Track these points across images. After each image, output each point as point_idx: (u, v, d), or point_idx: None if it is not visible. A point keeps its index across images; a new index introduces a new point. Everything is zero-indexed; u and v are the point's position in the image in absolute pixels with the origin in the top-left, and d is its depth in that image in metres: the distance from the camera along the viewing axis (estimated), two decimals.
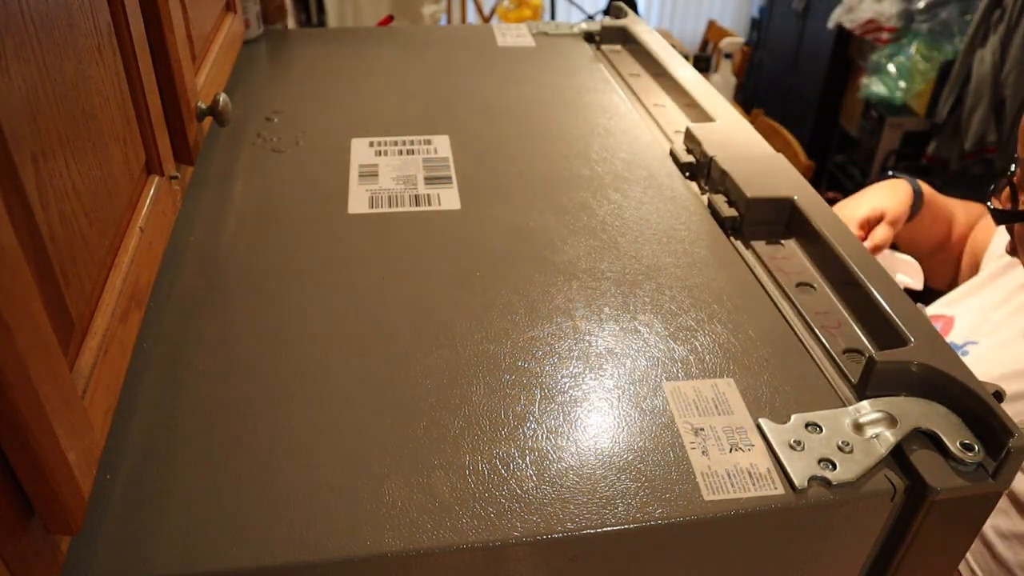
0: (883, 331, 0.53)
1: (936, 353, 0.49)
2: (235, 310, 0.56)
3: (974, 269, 1.00)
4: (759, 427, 0.48)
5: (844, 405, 0.49)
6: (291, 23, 2.67)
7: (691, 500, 0.43)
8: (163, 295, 0.57)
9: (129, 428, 0.46)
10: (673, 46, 1.02)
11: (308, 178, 0.73)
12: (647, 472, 0.45)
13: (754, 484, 0.44)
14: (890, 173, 1.01)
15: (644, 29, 1.07)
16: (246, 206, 0.68)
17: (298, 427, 0.47)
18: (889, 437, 0.46)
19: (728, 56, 3.02)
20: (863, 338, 0.55)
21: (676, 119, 0.87)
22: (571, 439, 0.47)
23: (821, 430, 0.47)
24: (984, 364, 0.78)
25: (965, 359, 0.80)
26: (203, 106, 0.63)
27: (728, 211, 0.68)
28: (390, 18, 2.72)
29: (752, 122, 0.81)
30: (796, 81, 3.03)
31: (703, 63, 3.12)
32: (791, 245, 0.66)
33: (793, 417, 0.48)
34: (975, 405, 0.46)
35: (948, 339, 0.87)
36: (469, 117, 0.86)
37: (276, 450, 0.45)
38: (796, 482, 0.44)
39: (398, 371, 0.51)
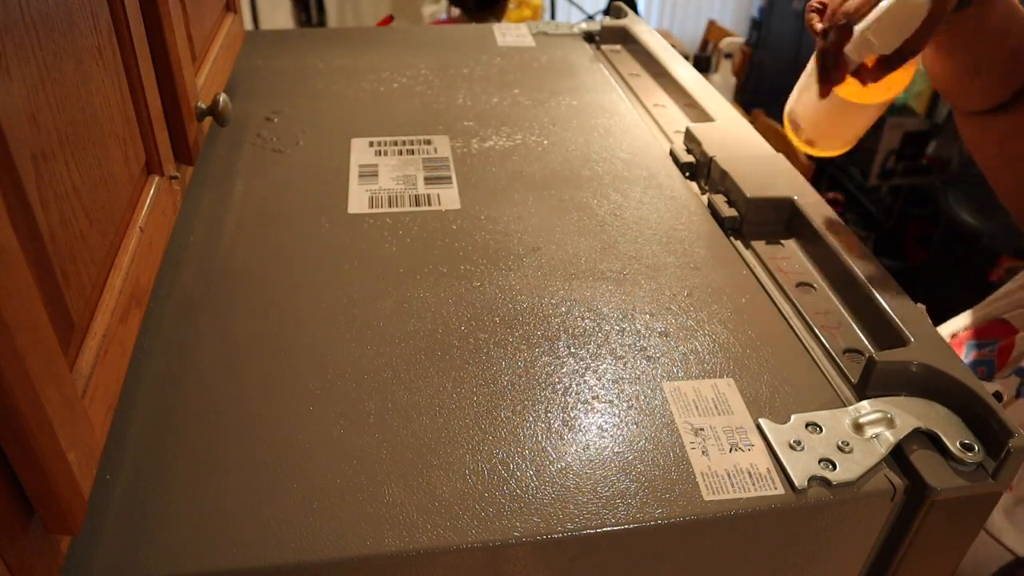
0: (883, 331, 0.53)
1: (936, 353, 0.49)
2: (235, 310, 0.56)
3: None
4: (759, 427, 0.48)
5: (844, 405, 0.49)
6: (291, 23, 2.68)
7: (691, 500, 0.43)
8: (163, 295, 0.57)
9: (129, 428, 0.46)
10: (673, 46, 1.02)
11: (308, 178, 0.73)
12: (647, 472, 0.45)
13: (754, 484, 0.44)
14: None
15: (644, 29, 1.07)
16: (246, 206, 0.68)
17: (298, 427, 0.47)
18: (889, 437, 0.46)
19: (728, 56, 3.02)
20: (863, 338, 0.55)
21: (676, 119, 0.87)
22: (571, 439, 0.47)
23: (821, 430, 0.47)
24: None
25: None
26: (203, 106, 0.63)
27: (728, 211, 0.68)
28: (390, 18, 2.72)
29: (752, 122, 0.81)
30: (796, 81, 3.03)
31: (703, 63, 3.12)
32: (791, 245, 0.66)
33: (793, 417, 0.48)
34: (975, 405, 0.46)
35: (1017, 369, 0.64)
36: (469, 117, 0.86)
37: (276, 450, 0.45)
38: (796, 482, 0.44)
39: (397, 371, 0.51)
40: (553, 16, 3.28)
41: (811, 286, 0.61)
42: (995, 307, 0.73)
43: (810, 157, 2.25)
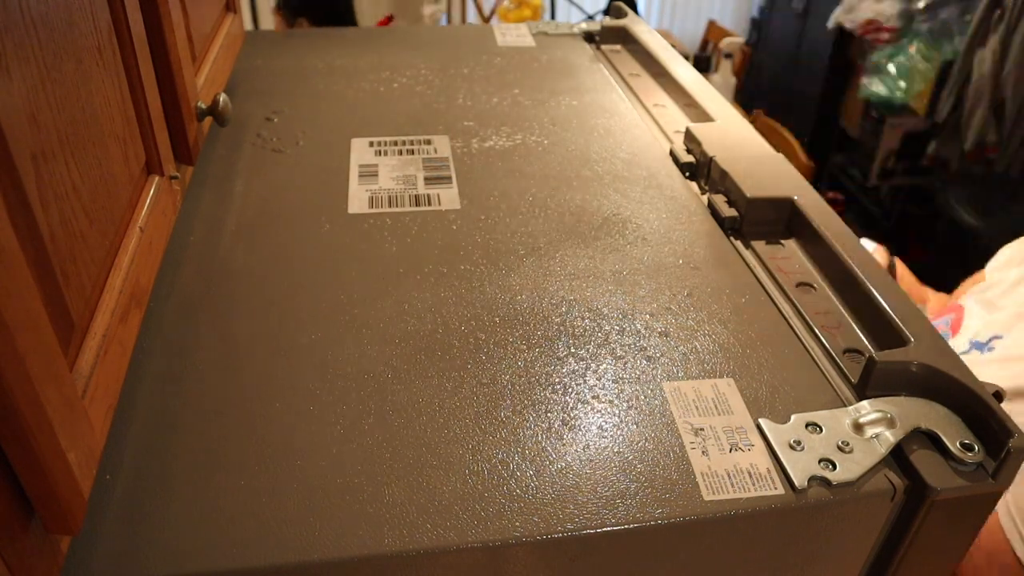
0: (883, 331, 0.53)
1: (936, 353, 0.49)
2: (235, 310, 0.56)
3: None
4: (759, 427, 0.48)
5: (844, 405, 0.49)
6: None
7: (691, 500, 0.43)
8: (163, 295, 0.57)
9: (129, 428, 0.46)
10: (673, 46, 1.02)
11: (308, 178, 0.73)
12: (647, 472, 0.45)
13: (754, 484, 0.44)
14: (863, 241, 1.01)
15: (644, 29, 1.07)
16: (246, 206, 0.68)
17: (298, 427, 0.47)
18: (889, 437, 0.46)
19: (728, 56, 3.02)
20: (863, 338, 0.55)
21: (676, 119, 0.87)
22: (571, 439, 0.47)
23: (821, 430, 0.47)
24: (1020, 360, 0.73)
25: (990, 355, 0.77)
26: (203, 106, 0.63)
27: (728, 211, 0.68)
28: (390, 18, 2.72)
29: (752, 122, 0.81)
30: (796, 81, 3.03)
31: (703, 63, 3.12)
32: (791, 245, 0.66)
33: (793, 417, 0.48)
34: (975, 405, 0.46)
35: (966, 336, 0.83)
36: (469, 117, 0.86)
37: (275, 450, 0.45)
38: (796, 482, 0.44)
39: (397, 371, 0.51)
40: (553, 16, 3.28)
41: (811, 286, 0.61)
42: (952, 296, 0.94)
43: (810, 156, 2.25)
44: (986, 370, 0.73)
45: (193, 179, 0.71)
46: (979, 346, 0.80)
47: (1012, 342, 0.77)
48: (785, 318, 0.57)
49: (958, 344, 0.83)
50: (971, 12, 2.22)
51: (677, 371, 0.52)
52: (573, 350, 0.54)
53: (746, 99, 3.32)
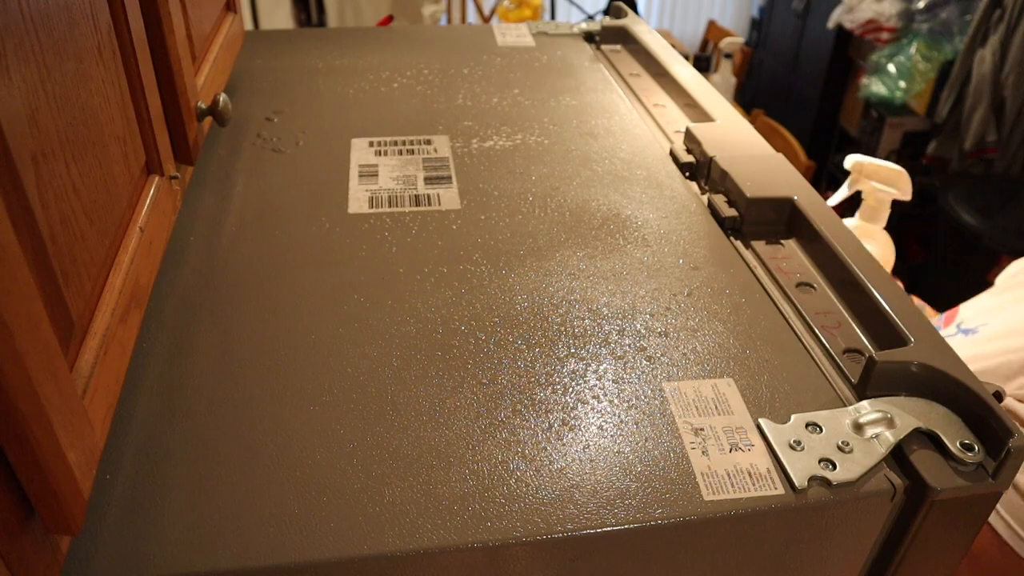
0: (883, 331, 0.53)
1: (936, 353, 0.49)
2: (235, 310, 0.56)
3: None
4: (759, 427, 0.48)
5: (844, 405, 0.49)
6: (291, 23, 2.68)
7: (691, 500, 0.43)
8: (163, 295, 0.57)
9: (129, 428, 0.46)
10: (673, 46, 1.02)
11: (308, 178, 0.73)
12: (647, 472, 0.45)
13: (754, 484, 0.44)
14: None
15: (644, 29, 1.07)
16: (246, 206, 0.68)
17: (298, 427, 0.47)
18: (889, 437, 0.46)
19: (728, 56, 3.02)
20: (863, 338, 0.55)
21: (676, 119, 0.87)
22: (571, 439, 0.47)
23: (821, 430, 0.47)
24: (1002, 339, 0.74)
25: (974, 337, 0.79)
26: (203, 106, 0.63)
27: (728, 211, 0.68)
28: (390, 18, 2.72)
29: (752, 122, 0.81)
30: (796, 81, 3.03)
31: (703, 63, 3.12)
32: (791, 245, 0.66)
33: (793, 417, 0.48)
34: (975, 405, 0.46)
35: (957, 324, 0.85)
36: (469, 117, 0.86)
37: (276, 450, 0.45)
38: (796, 482, 0.44)
39: (397, 371, 0.51)
40: (553, 16, 3.28)
41: (811, 286, 0.61)
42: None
43: (810, 156, 2.25)
44: (968, 350, 0.75)
45: (193, 179, 0.71)
46: (965, 331, 0.82)
47: (998, 322, 0.78)
48: (785, 318, 0.57)
49: (947, 331, 0.85)
50: (971, 12, 2.22)
51: (677, 371, 0.52)
52: (573, 350, 0.54)
53: (746, 99, 3.32)
